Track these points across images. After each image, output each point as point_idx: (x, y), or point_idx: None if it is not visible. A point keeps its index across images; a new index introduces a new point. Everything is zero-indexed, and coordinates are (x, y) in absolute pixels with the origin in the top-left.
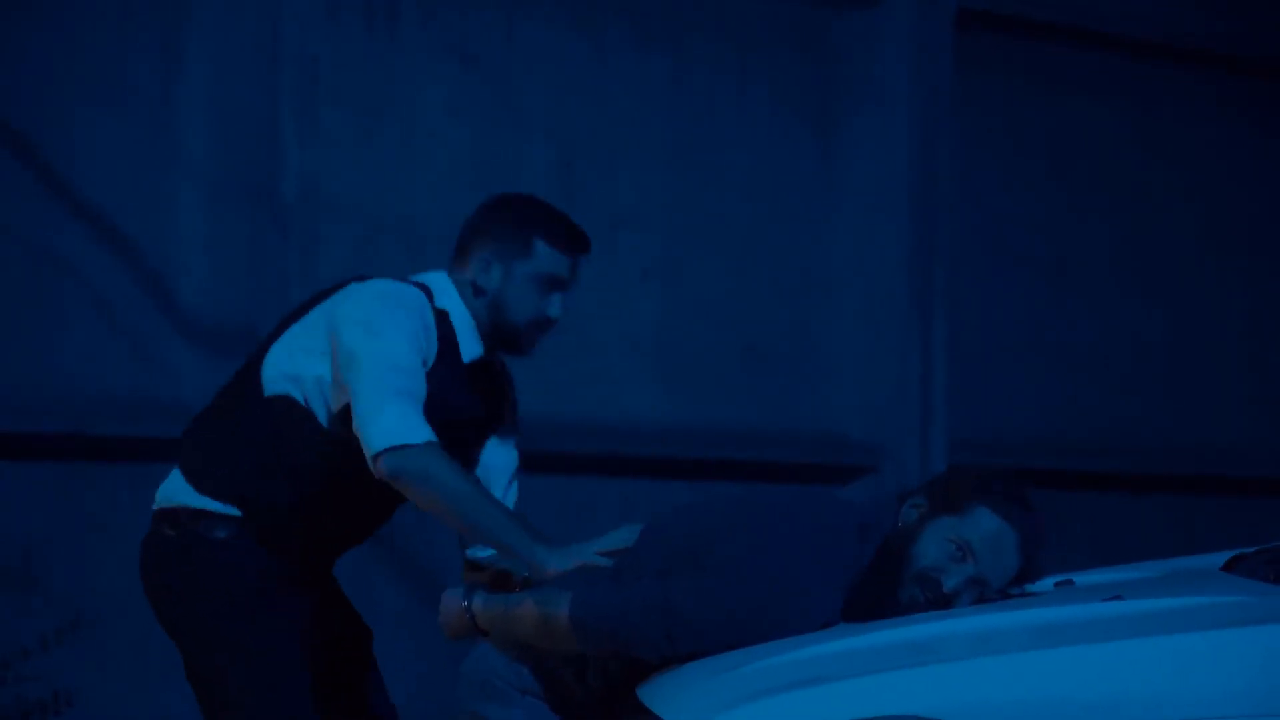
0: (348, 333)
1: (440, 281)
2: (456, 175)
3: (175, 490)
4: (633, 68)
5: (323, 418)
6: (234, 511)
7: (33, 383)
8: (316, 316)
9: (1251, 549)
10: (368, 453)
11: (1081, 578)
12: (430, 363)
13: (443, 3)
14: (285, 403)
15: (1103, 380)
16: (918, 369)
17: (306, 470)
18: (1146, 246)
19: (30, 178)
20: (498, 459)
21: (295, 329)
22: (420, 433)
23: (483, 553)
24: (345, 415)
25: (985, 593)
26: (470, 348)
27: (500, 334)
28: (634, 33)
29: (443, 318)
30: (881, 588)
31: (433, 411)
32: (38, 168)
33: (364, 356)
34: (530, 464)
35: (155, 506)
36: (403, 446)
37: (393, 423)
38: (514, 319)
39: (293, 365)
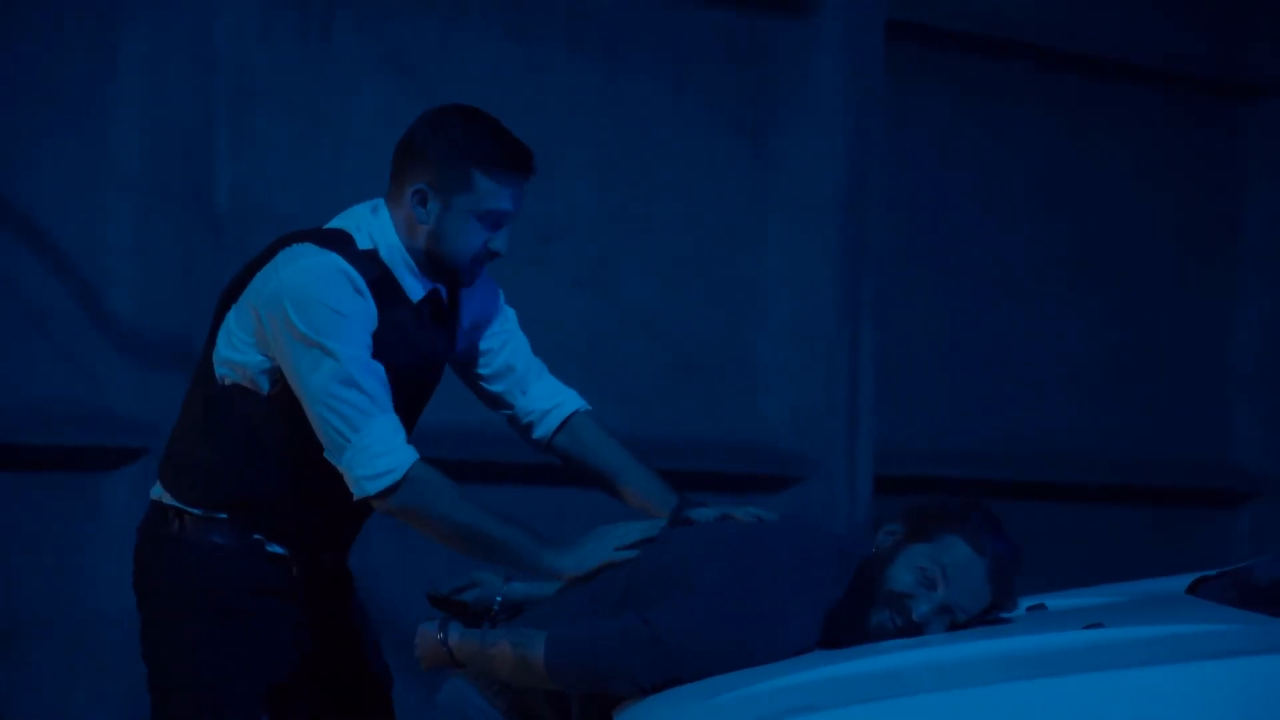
0: (288, 347)
1: (363, 217)
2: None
3: (160, 490)
4: (567, 77)
5: (277, 400)
6: (220, 515)
7: None
8: (245, 306)
9: (1214, 571)
10: (354, 497)
11: (1054, 601)
12: (374, 322)
13: (377, 13)
14: (238, 390)
15: (1029, 390)
16: (846, 379)
17: (273, 455)
18: (1075, 257)
19: None
20: (504, 358)
21: (230, 319)
22: (392, 463)
23: (444, 588)
24: (295, 396)
25: (955, 620)
26: (413, 286)
27: (440, 266)
28: (569, 42)
29: (370, 257)
30: (856, 614)
31: (398, 355)
32: None
33: (307, 391)
34: (454, 473)
35: (151, 497)
36: (386, 491)
37: (362, 469)
38: (454, 253)
39: (235, 353)
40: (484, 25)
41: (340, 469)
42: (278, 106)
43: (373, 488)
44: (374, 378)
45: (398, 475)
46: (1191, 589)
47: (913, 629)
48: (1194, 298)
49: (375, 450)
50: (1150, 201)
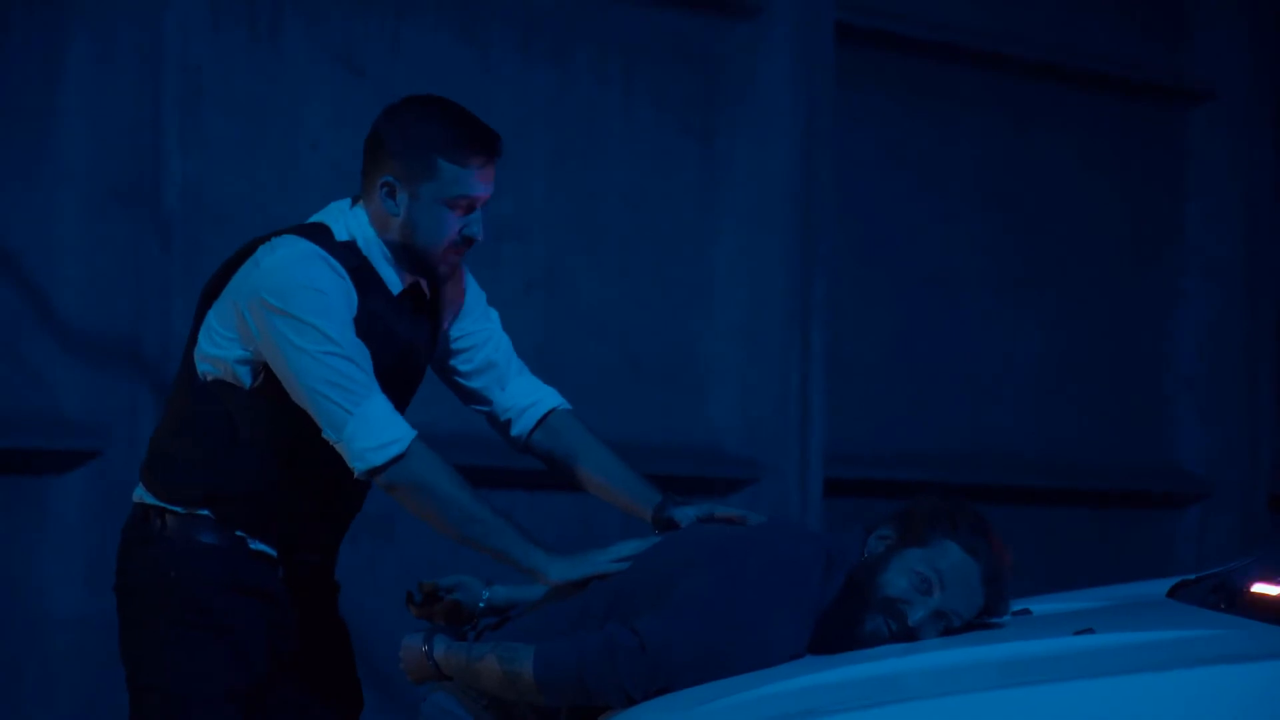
0: (275, 335)
1: (341, 212)
2: (340, 184)
3: (141, 491)
4: (518, 77)
5: (259, 394)
6: (201, 511)
7: None
8: (226, 302)
9: (1193, 575)
10: (355, 472)
11: (1039, 606)
12: (355, 307)
13: (327, 12)
14: (219, 386)
15: (978, 393)
16: (796, 382)
17: (255, 448)
18: (1022, 259)
19: None
20: (485, 354)
21: (211, 316)
22: (395, 434)
23: (424, 587)
24: (279, 389)
25: (950, 625)
26: (393, 279)
27: (416, 260)
28: (519, 42)
29: (348, 248)
30: (848, 619)
31: (379, 346)
32: None
33: (300, 370)
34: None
35: (133, 499)
36: (387, 464)
37: (365, 441)
38: (429, 243)
39: (215, 349)
40: (434, 25)
41: (340, 445)
42: (227, 105)
43: (378, 458)
44: (365, 357)
45: (402, 445)
46: (1172, 593)
47: (908, 634)
48: (1137, 300)
49: (378, 423)
50: (1095, 204)
